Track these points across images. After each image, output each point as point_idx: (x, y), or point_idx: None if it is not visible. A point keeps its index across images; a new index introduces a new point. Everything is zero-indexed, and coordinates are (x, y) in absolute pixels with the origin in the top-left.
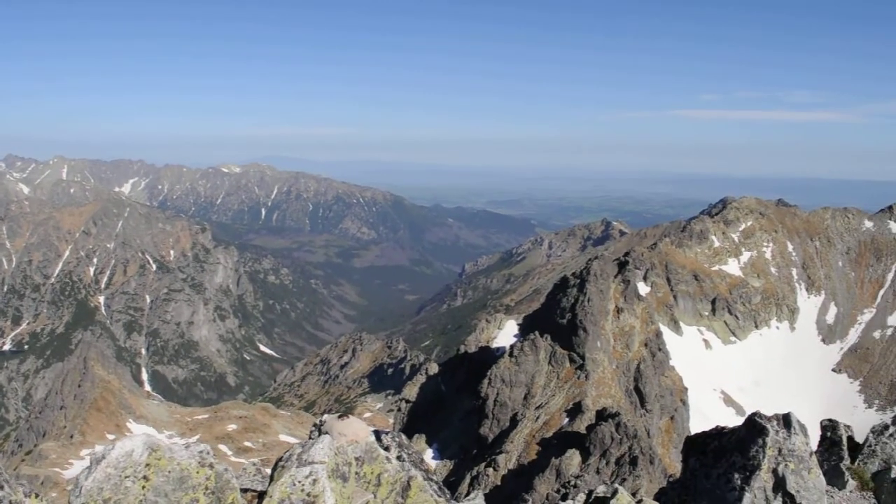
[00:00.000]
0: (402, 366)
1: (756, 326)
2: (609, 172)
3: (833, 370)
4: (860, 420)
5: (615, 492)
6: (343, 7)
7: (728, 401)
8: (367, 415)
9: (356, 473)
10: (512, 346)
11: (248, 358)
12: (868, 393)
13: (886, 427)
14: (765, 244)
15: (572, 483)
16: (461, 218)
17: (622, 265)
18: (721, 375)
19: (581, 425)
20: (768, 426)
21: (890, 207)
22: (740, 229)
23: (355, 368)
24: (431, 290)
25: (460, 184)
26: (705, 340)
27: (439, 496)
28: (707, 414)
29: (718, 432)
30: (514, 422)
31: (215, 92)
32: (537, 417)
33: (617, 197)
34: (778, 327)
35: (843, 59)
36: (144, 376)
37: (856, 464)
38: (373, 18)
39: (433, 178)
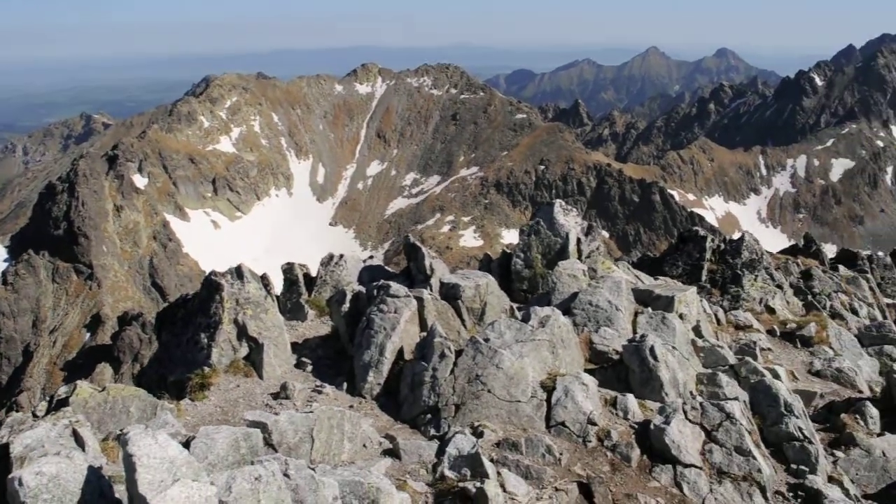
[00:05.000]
0: None
1: (258, 198)
2: (78, 60)
3: (330, 224)
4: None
5: (75, 388)
6: None
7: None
8: None
9: None
10: (4, 273)
11: None
12: (362, 237)
13: (332, 257)
14: (252, 118)
15: None
16: None
17: (112, 160)
18: (235, 251)
19: (105, 336)
20: (222, 281)
21: (354, 71)
22: (226, 106)
23: None
24: None
25: None
26: (213, 221)
27: None
28: None
29: (184, 300)
30: (28, 354)
31: None
32: (54, 342)
33: (92, 87)
34: (277, 195)
35: None
36: None
37: (312, 295)
38: None
39: None
